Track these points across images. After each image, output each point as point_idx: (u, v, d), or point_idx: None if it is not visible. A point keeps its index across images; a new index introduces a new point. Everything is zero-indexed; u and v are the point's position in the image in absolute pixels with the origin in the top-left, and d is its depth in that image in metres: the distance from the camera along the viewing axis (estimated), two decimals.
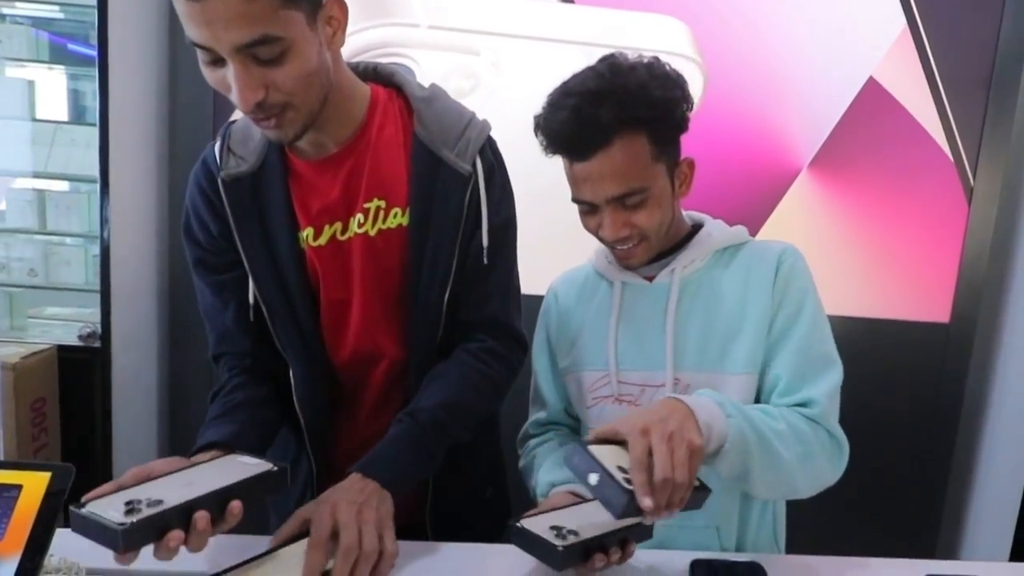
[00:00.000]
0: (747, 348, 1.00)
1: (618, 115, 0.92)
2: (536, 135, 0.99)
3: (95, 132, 1.83)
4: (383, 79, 1.01)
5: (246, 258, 0.96)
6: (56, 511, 0.74)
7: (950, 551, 2.36)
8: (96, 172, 1.85)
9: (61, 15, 1.99)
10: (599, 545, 0.82)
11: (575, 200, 1.01)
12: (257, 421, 0.95)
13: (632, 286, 1.08)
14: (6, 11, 1.95)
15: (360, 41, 1.94)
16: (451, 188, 0.96)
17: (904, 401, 2.22)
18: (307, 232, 0.96)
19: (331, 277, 0.97)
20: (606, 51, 0.99)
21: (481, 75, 2.02)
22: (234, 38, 0.75)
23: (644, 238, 1.00)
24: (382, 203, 0.95)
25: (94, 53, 1.80)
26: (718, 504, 0.97)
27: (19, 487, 0.74)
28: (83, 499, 0.70)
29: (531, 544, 0.83)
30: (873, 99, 2.09)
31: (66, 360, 1.97)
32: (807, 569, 0.95)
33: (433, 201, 0.95)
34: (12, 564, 0.71)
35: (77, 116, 2.03)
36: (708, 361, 1.01)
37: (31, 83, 1.99)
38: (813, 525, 1.11)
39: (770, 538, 1.08)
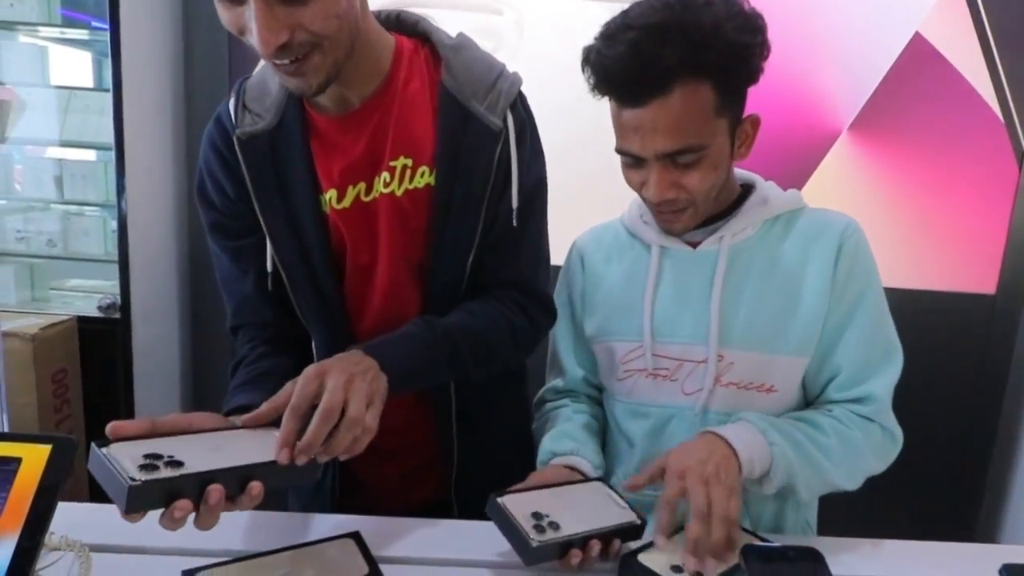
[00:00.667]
0: (801, 329, 0.93)
1: (684, 57, 0.80)
2: (583, 71, 0.87)
3: (110, 98, 1.79)
4: (407, 28, 0.93)
5: (264, 222, 0.90)
6: (58, 486, 0.70)
7: (990, 532, 2.28)
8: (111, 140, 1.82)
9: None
10: (580, 542, 0.76)
11: (619, 151, 0.90)
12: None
13: (672, 252, 0.99)
14: None
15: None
16: (480, 144, 0.88)
17: (947, 376, 2.13)
18: (330, 195, 0.89)
19: (356, 241, 0.91)
20: None
21: (504, 35, 1.94)
22: None
23: (692, 203, 0.90)
24: (408, 161, 0.88)
25: (106, 22, 1.75)
26: (755, 498, 0.94)
27: (18, 460, 0.70)
28: (109, 431, 0.65)
29: (506, 527, 0.76)
30: (919, 56, 1.98)
31: (86, 331, 1.95)
32: (867, 553, 0.89)
33: (460, 157, 0.88)
34: (10, 543, 0.67)
35: (92, 82, 1.98)
36: (756, 340, 0.93)
37: (43, 49, 1.95)
38: (843, 504, 1.04)
39: (803, 522, 1.02)
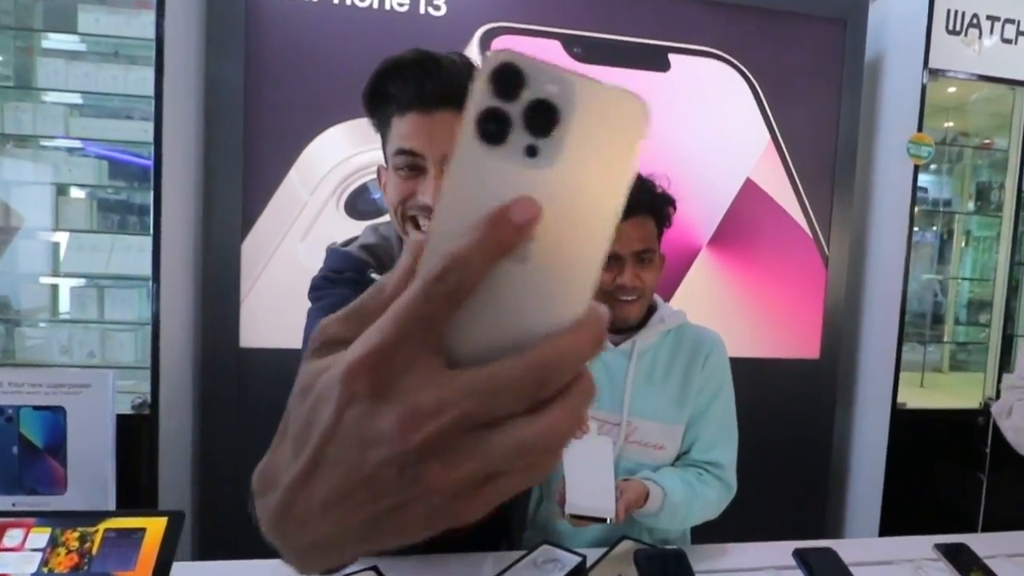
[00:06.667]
0: (680, 407, 1.15)
1: (647, 200, 1.10)
2: None
3: (147, 240, 1.88)
4: None
5: None
6: (173, 547, 0.79)
7: (834, 534, 2.48)
8: (146, 271, 1.88)
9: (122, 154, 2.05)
10: None
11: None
12: None
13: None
14: (75, 146, 2.01)
15: (362, 161, 2.06)
16: None
17: (789, 419, 2.36)
18: None
19: None
20: None
21: None
22: (447, 149, 0.83)
23: (642, 296, 1.11)
24: None
25: (149, 163, 1.86)
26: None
27: (143, 530, 0.79)
28: None
29: None
30: (751, 194, 2.29)
31: (121, 426, 1.93)
32: (725, 552, 1.09)
33: None
34: None
35: (132, 227, 2.07)
36: (652, 413, 1.14)
37: (92, 202, 2.03)
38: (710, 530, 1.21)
39: (682, 533, 1.20)
